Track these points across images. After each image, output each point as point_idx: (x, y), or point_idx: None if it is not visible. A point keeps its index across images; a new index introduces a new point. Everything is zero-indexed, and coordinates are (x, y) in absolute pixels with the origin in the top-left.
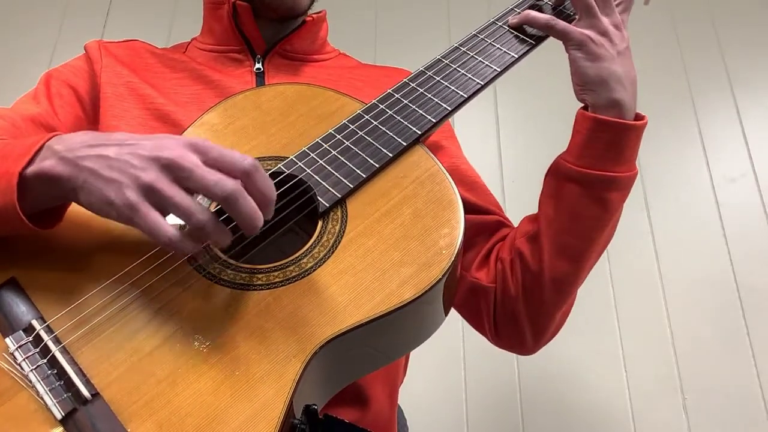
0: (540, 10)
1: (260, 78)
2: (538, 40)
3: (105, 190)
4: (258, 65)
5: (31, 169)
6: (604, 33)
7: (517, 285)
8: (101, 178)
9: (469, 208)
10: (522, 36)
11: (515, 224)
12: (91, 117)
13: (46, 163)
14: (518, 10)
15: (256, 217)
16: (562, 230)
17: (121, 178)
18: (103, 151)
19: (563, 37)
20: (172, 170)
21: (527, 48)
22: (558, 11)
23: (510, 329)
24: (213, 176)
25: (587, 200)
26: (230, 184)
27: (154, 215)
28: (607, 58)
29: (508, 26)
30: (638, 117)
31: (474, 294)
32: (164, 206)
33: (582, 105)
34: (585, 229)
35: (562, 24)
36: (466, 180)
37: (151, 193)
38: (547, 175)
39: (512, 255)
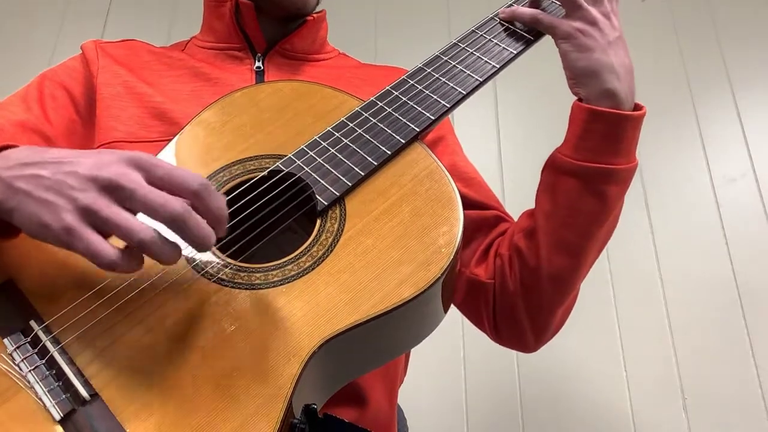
0: (540, 5)
1: (260, 76)
2: (537, 35)
3: (39, 213)
4: (258, 64)
5: None
6: (593, 23)
7: (516, 281)
8: (35, 200)
9: (467, 203)
10: (521, 32)
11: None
12: (85, 119)
13: None
14: (517, 6)
15: (208, 236)
16: (559, 225)
17: (56, 200)
18: (38, 170)
19: (551, 30)
20: (113, 190)
21: (526, 44)
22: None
23: (509, 326)
24: (158, 198)
25: (585, 194)
26: (177, 207)
27: (93, 237)
28: (597, 48)
29: (501, 21)
30: (637, 107)
31: (473, 290)
32: (104, 227)
33: (577, 98)
34: (583, 224)
35: (548, 17)
36: (463, 176)
37: (89, 216)
38: (543, 169)
39: (510, 251)
